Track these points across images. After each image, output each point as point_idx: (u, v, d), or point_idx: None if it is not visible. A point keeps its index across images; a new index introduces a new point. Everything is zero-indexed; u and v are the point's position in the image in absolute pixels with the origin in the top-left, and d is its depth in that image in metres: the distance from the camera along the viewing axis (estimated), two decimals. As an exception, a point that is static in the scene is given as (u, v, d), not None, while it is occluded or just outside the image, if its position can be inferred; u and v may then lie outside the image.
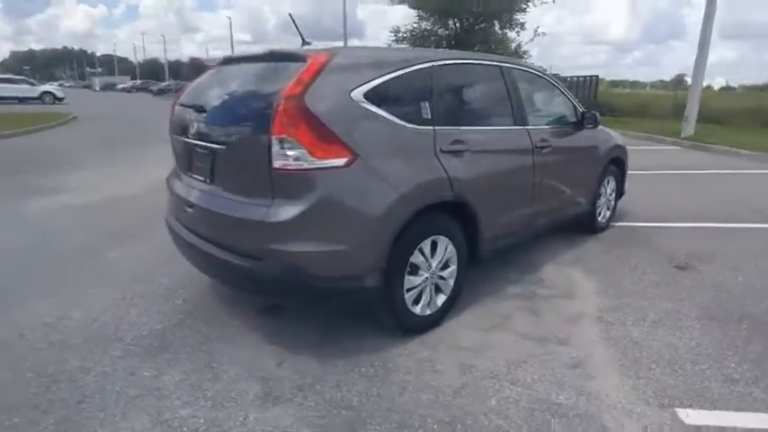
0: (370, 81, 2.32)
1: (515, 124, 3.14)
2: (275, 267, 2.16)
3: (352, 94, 2.25)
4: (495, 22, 19.66)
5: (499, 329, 2.69)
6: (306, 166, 2.07)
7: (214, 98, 2.60)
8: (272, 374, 2.28)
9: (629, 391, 2.16)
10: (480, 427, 1.94)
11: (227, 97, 2.53)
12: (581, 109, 3.86)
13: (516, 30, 19.73)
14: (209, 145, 2.44)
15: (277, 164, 2.09)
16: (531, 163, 3.18)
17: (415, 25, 20.18)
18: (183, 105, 2.77)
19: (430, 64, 2.63)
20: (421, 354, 2.44)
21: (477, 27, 19.62)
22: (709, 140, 10.57)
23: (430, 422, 1.97)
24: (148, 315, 2.80)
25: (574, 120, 3.77)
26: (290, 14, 2.96)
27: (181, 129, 2.70)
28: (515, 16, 19.36)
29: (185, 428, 1.91)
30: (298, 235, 2.11)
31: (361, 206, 2.22)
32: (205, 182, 2.52)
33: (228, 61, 2.86)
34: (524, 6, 18.97)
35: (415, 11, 19.77)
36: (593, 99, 15.66)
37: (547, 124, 3.53)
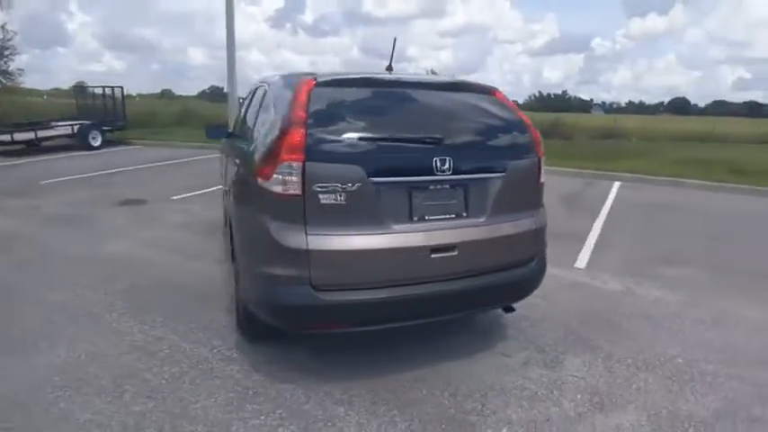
0: None
1: None
2: (540, 263, 2.60)
3: None
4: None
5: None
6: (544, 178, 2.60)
7: (448, 130, 2.35)
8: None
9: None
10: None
11: (464, 128, 2.44)
12: None
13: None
14: (468, 177, 2.32)
15: (541, 179, 2.54)
16: None
17: None
18: (388, 140, 2.21)
19: None
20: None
21: None
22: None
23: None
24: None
25: None
26: (394, 39, 2.81)
27: (386, 170, 2.14)
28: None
29: None
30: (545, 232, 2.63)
31: None
32: (459, 217, 2.31)
33: (370, 84, 2.41)
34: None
35: None
36: (123, 111, 13.11)
37: None
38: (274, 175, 2.08)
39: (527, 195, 2.54)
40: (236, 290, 2.79)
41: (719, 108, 66.86)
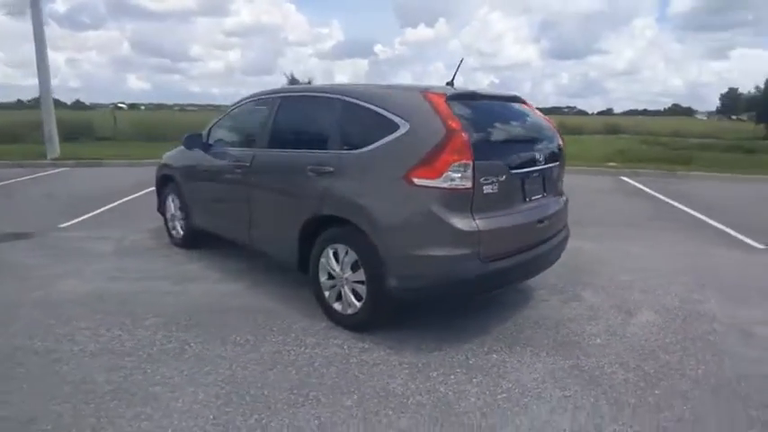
0: None
1: None
2: (568, 228, 3.55)
3: None
4: None
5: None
6: None
7: (532, 131, 3.20)
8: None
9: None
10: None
11: (536, 128, 3.25)
12: None
13: None
14: (546, 167, 3.11)
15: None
16: None
17: None
18: (512, 141, 2.98)
19: None
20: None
21: None
22: (96, 156, 11.38)
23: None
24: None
25: None
26: (461, 59, 3.26)
27: (516, 164, 2.82)
28: None
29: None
30: None
31: None
32: (543, 197, 3.06)
33: (477, 97, 2.97)
34: None
35: None
36: None
37: None
38: (445, 173, 2.50)
39: (561, 178, 3.46)
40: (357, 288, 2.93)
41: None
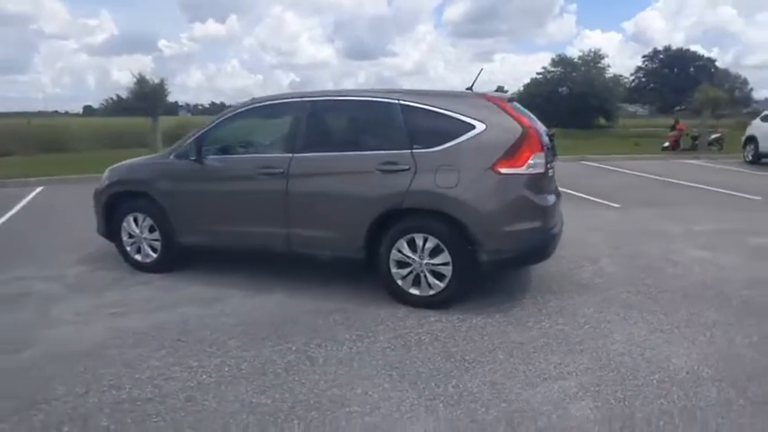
0: None
1: None
2: None
3: None
4: None
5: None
6: None
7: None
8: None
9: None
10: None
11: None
12: None
13: None
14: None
15: None
16: None
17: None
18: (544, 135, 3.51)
19: None
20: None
21: None
22: None
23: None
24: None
25: None
26: (481, 69, 3.65)
27: (551, 152, 3.55)
28: None
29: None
30: None
31: None
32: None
33: (513, 99, 3.64)
34: None
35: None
36: None
37: None
38: (529, 162, 3.12)
39: None
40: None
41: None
